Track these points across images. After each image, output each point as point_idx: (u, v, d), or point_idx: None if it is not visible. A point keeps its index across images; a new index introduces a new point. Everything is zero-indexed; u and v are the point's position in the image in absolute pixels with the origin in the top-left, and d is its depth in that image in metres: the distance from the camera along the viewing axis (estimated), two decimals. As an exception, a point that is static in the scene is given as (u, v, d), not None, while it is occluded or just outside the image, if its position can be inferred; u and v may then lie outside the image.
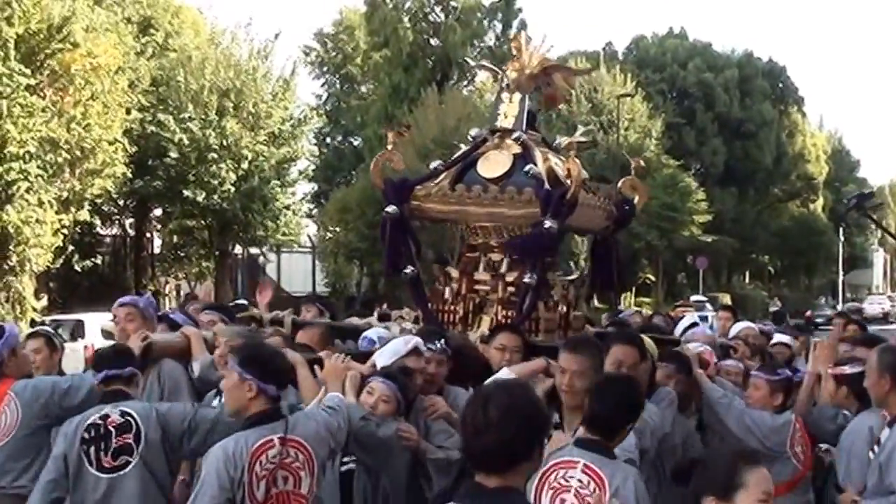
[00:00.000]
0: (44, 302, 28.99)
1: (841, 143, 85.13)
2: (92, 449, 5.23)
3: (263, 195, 35.76)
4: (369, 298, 33.27)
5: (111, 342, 6.85)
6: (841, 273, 78.65)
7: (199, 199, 33.35)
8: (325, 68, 56.91)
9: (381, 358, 5.61)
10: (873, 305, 62.80)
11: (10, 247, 26.51)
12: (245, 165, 34.30)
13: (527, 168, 6.79)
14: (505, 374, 5.82)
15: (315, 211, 45.56)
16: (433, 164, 7.32)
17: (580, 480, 4.36)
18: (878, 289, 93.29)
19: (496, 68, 7.98)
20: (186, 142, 33.00)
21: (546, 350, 6.12)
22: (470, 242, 7.25)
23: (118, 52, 29.17)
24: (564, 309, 7.34)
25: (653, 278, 56.01)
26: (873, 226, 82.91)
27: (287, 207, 37.81)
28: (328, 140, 54.83)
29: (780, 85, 69.89)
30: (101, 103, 28.03)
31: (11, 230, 25.92)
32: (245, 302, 12.90)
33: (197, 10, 42.25)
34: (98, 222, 34.97)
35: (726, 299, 48.56)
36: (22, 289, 27.37)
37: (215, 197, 33.66)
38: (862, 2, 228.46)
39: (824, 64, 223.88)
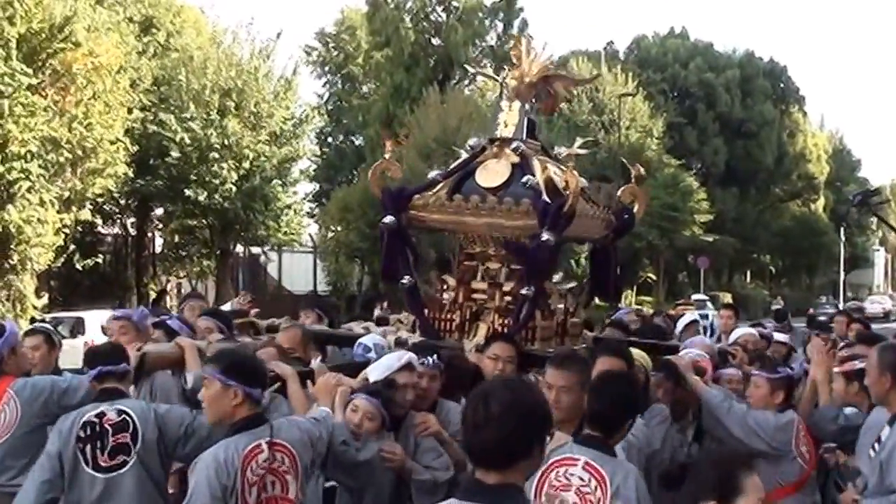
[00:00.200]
0: (44, 300, 29.01)
1: (842, 142, 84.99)
2: (88, 447, 5.20)
3: (265, 195, 35.78)
4: (370, 298, 33.22)
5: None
6: (842, 273, 78.58)
7: (201, 198, 33.36)
8: (326, 68, 56.84)
9: (374, 373, 5.58)
10: (875, 305, 62.69)
11: (12, 246, 26.50)
12: (246, 165, 34.32)
13: (524, 179, 6.79)
14: None
15: (316, 210, 45.53)
16: (431, 174, 7.32)
17: (581, 478, 4.32)
18: (880, 288, 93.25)
19: (493, 76, 7.98)
20: (188, 141, 33.01)
21: (542, 359, 6.10)
22: (468, 251, 7.26)
23: (120, 51, 29.19)
24: (562, 317, 7.34)
25: (654, 277, 56.01)
26: (874, 225, 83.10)
27: (288, 207, 37.84)
28: (329, 140, 54.76)
29: (782, 85, 69.84)
30: (103, 103, 28.05)
31: (13, 229, 25.91)
32: (248, 297, 12.95)
33: (199, 10, 42.33)
34: (99, 221, 34.99)
35: (727, 299, 48.51)
36: (23, 287, 27.37)
37: (217, 196, 33.67)
38: (862, 2, 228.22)
39: (825, 64, 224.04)
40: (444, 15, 47.44)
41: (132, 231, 39.03)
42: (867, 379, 5.60)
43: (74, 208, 28.75)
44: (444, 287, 7.26)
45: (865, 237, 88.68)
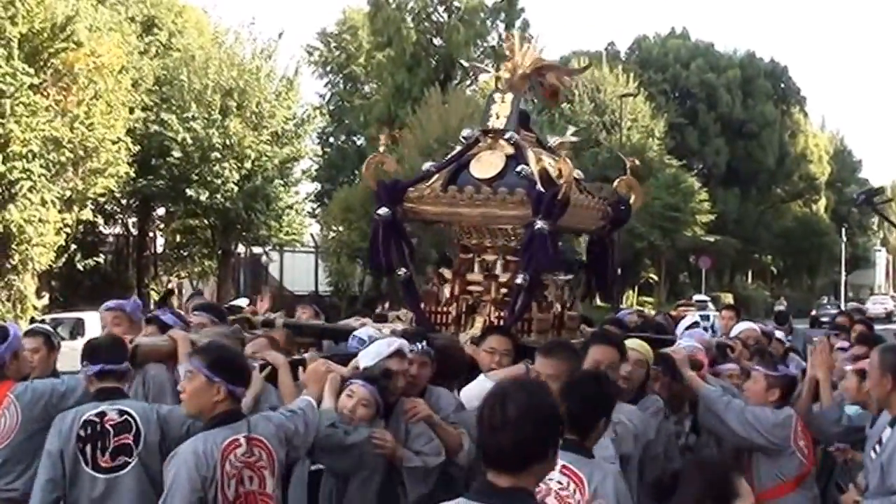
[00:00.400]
0: (45, 301, 29.02)
1: (843, 143, 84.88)
2: (88, 447, 5.15)
3: (266, 194, 35.76)
4: (372, 297, 33.25)
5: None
6: (843, 273, 78.56)
7: (202, 198, 33.36)
8: (328, 68, 56.85)
9: (365, 359, 5.58)
10: (876, 305, 62.65)
11: (13, 245, 26.54)
12: (248, 165, 34.31)
13: (518, 168, 6.78)
14: (482, 381, 5.81)
15: (318, 210, 45.52)
16: (425, 166, 7.33)
17: (559, 482, 4.28)
18: (881, 289, 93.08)
19: (487, 69, 7.98)
20: (190, 141, 33.00)
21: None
22: (463, 244, 7.24)
23: (121, 51, 29.23)
24: (559, 309, 7.32)
25: (655, 278, 56.00)
26: (875, 226, 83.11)
27: (290, 207, 37.82)
28: (331, 140, 54.75)
29: (782, 85, 69.85)
30: (105, 102, 28.08)
31: (14, 229, 25.94)
32: (247, 301, 12.91)
33: (200, 10, 42.36)
34: (101, 221, 34.94)
35: (729, 299, 48.51)
36: (23, 287, 27.39)
37: (218, 196, 33.66)
38: (863, 2, 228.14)
39: (826, 64, 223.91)
40: (445, 15, 47.48)
41: (133, 231, 39.02)
42: (869, 381, 5.59)
43: (76, 208, 28.78)
44: (441, 280, 7.23)
45: (867, 238, 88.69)
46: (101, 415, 5.21)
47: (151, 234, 39.82)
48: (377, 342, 5.77)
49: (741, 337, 8.41)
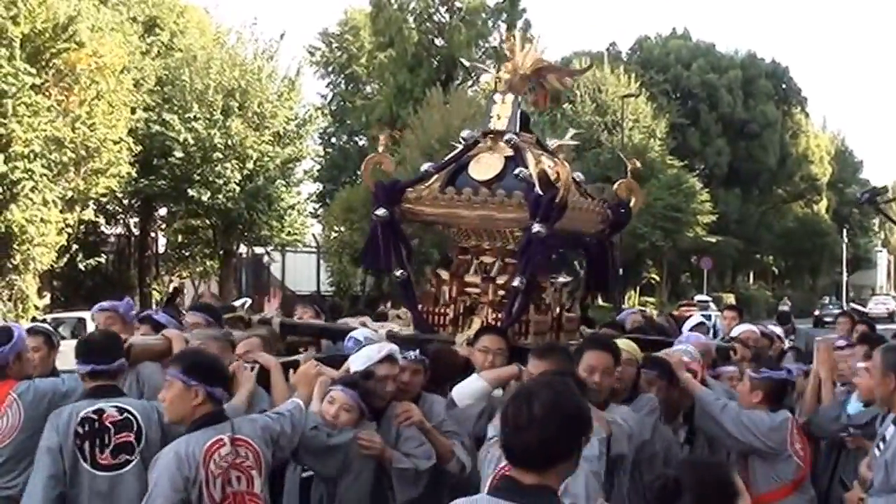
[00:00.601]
0: (46, 300, 29.04)
1: (844, 143, 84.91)
2: (86, 445, 5.14)
3: (268, 195, 35.73)
4: (374, 297, 33.22)
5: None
6: (845, 274, 78.59)
7: (204, 198, 33.33)
8: (330, 68, 56.87)
9: (355, 363, 5.60)
10: (879, 306, 62.69)
11: (15, 245, 26.55)
12: (250, 165, 34.29)
13: (516, 171, 6.77)
14: (473, 380, 5.83)
15: (320, 211, 45.53)
16: (424, 167, 7.33)
17: None
18: (882, 289, 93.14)
19: (486, 69, 7.94)
20: (191, 141, 32.98)
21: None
22: (461, 245, 7.25)
23: (123, 51, 29.23)
24: (557, 311, 7.32)
25: (657, 279, 56.00)
26: (876, 227, 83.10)
27: (292, 207, 37.79)
28: (333, 140, 54.77)
29: (784, 86, 69.87)
30: (107, 103, 28.08)
31: (16, 229, 25.94)
32: (249, 301, 12.92)
33: (202, 10, 42.34)
34: (102, 221, 34.94)
35: (730, 300, 48.54)
36: (25, 287, 27.41)
37: (220, 196, 33.64)
38: (864, 3, 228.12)
39: (827, 65, 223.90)
40: (447, 15, 47.49)
41: (135, 231, 39.00)
42: (872, 380, 5.60)
43: (77, 208, 28.81)
44: (439, 281, 7.23)
45: (868, 238, 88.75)
46: (100, 412, 5.20)
47: (153, 235, 39.80)
48: (368, 347, 5.78)
49: (741, 338, 8.36)
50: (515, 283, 6.66)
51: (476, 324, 6.86)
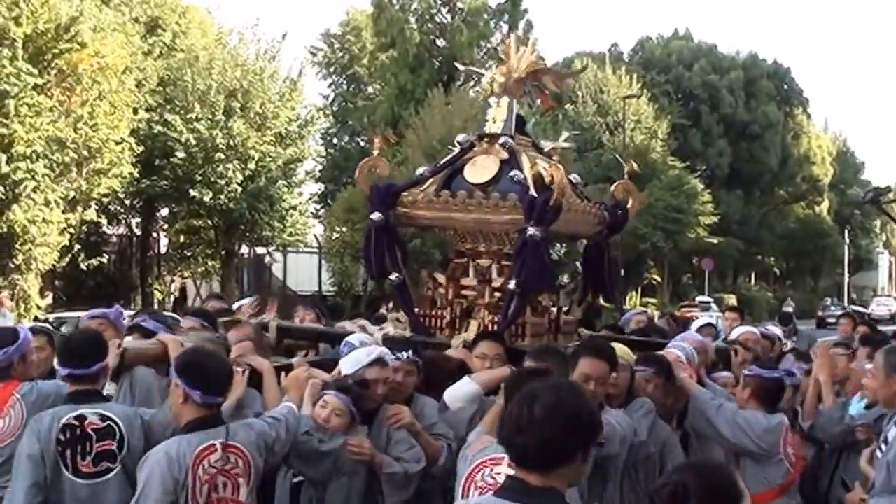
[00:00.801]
0: (49, 300, 29.05)
1: (846, 144, 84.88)
2: (68, 452, 5.09)
3: (270, 195, 35.73)
4: (375, 298, 33.19)
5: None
6: (846, 275, 78.57)
7: (206, 199, 33.33)
8: (331, 69, 56.86)
9: (345, 366, 5.62)
10: (881, 307, 62.66)
11: (17, 245, 26.58)
12: (252, 166, 34.29)
13: (512, 174, 6.76)
14: (465, 384, 5.83)
15: (321, 211, 45.50)
16: (419, 170, 7.31)
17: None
18: (884, 290, 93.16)
19: (480, 71, 7.96)
20: (193, 142, 32.99)
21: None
22: (458, 248, 7.23)
23: (125, 51, 29.23)
24: (554, 313, 7.31)
25: (658, 280, 55.99)
26: (878, 228, 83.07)
27: (293, 208, 37.77)
28: (335, 140, 54.73)
29: (785, 86, 69.88)
30: (109, 103, 28.09)
31: (18, 229, 25.96)
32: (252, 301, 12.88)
33: (204, 11, 42.38)
34: (104, 222, 34.96)
35: (732, 301, 48.54)
36: (27, 287, 27.43)
37: (222, 197, 33.64)
38: (866, 4, 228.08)
39: (829, 65, 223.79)
40: (449, 16, 47.45)
41: (137, 231, 39.06)
42: (875, 382, 5.60)
43: (79, 208, 28.82)
44: (435, 284, 7.23)
45: (869, 240, 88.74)
46: (81, 418, 5.15)
47: (155, 235, 39.84)
48: (357, 350, 5.79)
49: (741, 340, 8.32)
50: (511, 285, 6.66)
51: (473, 327, 6.87)
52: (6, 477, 5.78)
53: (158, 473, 4.45)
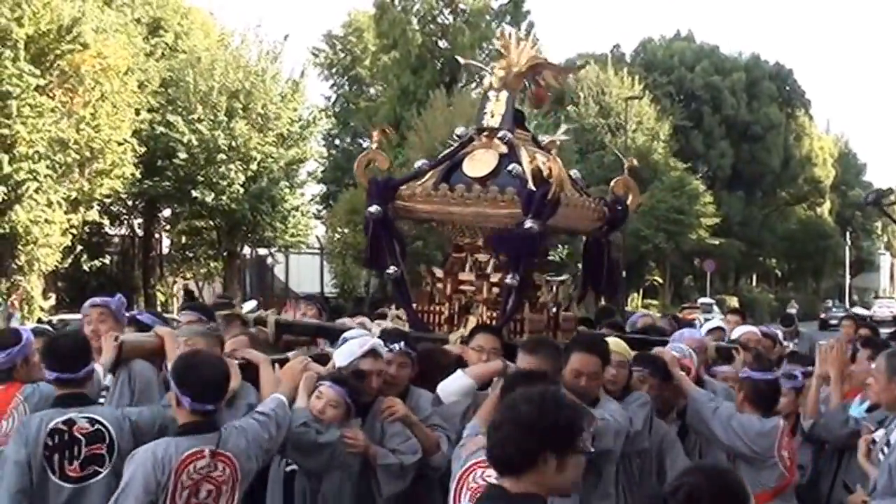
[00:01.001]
0: (51, 301, 29.06)
1: (847, 146, 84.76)
2: (56, 457, 5.09)
3: (272, 196, 35.72)
4: (378, 299, 33.20)
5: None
6: (848, 276, 78.52)
7: (208, 199, 33.34)
8: (333, 70, 56.88)
9: (339, 358, 5.61)
10: (883, 309, 62.63)
11: (19, 246, 26.60)
12: (254, 166, 34.29)
13: (510, 167, 6.76)
14: (459, 377, 5.82)
15: (323, 212, 45.50)
16: (418, 163, 7.32)
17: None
18: (885, 292, 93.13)
19: (481, 65, 7.93)
20: (195, 143, 33.00)
21: None
22: (456, 242, 7.22)
23: (128, 53, 29.25)
24: (553, 310, 7.30)
25: (660, 281, 55.99)
26: (879, 230, 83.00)
27: (295, 209, 37.76)
28: (337, 141, 54.72)
29: (787, 88, 69.84)
30: (111, 104, 28.11)
31: (20, 230, 25.98)
32: (255, 303, 12.90)
33: (206, 12, 42.41)
34: (107, 222, 34.97)
35: (733, 302, 48.52)
36: (30, 288, 27.45)
37: (224, 198, 33.64)
38: (868, 5, 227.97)
39: (831, 67, 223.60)
40: (450, 17, 47.42)
41: (139, 232, 39.07)
42: (876, 385, 5.59)
43: (82, 209, 28.83)
44: (433, 279, 7.23)
45: (871, 241, 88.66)
46: (70, 422, 5.15)
47: (157, 236, 39.83)
48: (350, 342, 5.77)
49: (741, 340, 8.30)
50: (508, 280, 6.66)
51: (471, 322, 6.85)
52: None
53: (142, 473, 4.46)
